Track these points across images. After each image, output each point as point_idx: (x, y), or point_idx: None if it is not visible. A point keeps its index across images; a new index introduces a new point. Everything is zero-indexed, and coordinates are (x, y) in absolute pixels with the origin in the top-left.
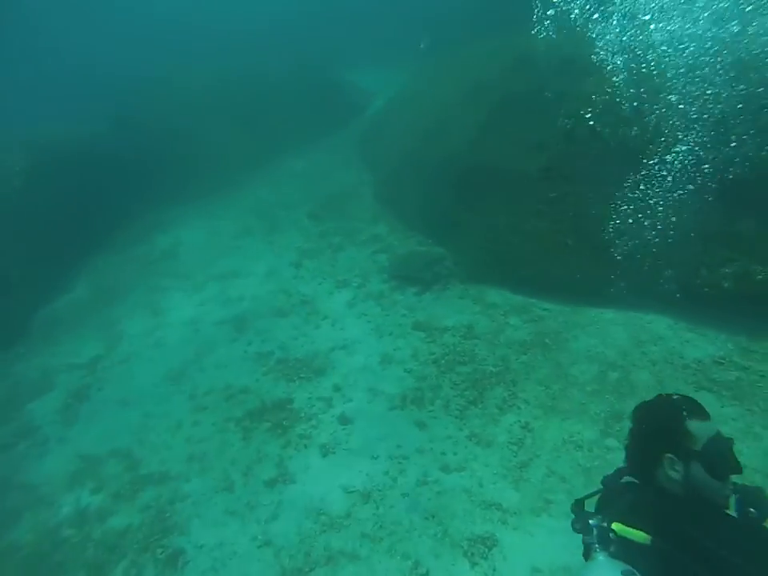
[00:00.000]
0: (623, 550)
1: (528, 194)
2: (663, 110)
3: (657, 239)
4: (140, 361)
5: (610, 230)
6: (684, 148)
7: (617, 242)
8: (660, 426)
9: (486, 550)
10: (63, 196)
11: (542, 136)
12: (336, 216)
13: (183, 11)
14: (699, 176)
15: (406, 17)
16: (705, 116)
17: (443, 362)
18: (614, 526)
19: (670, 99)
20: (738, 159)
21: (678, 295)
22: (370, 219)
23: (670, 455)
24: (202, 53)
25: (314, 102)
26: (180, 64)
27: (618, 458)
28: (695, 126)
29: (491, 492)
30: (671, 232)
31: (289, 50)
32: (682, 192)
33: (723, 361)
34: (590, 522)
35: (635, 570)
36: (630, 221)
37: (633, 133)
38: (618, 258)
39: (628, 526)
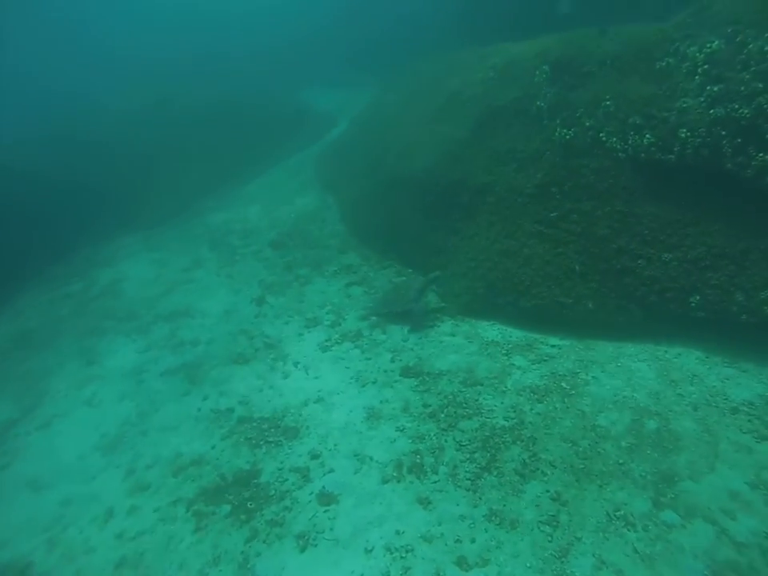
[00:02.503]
0: None
1: (523, 214)
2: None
3: (678, 261)
4: (65, 425)
5: (623, 251)
6: (707, 153)
7: (632, 265)
8: None
9: None
10: None
11: (536, 149)
12: (301, 244)
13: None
14: (728, 184)
15: (369, 34)
16: (734, 116)
17: (443, 415)
18: None
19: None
20: None
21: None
22: (338, 247)
23: None
24: (144, 77)
25: (271, 124)
26: (122, 89)
27: (685, 538)
28: (718, 128)
29: None
30: (695, 251)
31: (245, 73)
32: (706, 203)
33: None
34: None
35: None
36: (647, 240)
37: (645, 141)
38: (634, 283)
39: None
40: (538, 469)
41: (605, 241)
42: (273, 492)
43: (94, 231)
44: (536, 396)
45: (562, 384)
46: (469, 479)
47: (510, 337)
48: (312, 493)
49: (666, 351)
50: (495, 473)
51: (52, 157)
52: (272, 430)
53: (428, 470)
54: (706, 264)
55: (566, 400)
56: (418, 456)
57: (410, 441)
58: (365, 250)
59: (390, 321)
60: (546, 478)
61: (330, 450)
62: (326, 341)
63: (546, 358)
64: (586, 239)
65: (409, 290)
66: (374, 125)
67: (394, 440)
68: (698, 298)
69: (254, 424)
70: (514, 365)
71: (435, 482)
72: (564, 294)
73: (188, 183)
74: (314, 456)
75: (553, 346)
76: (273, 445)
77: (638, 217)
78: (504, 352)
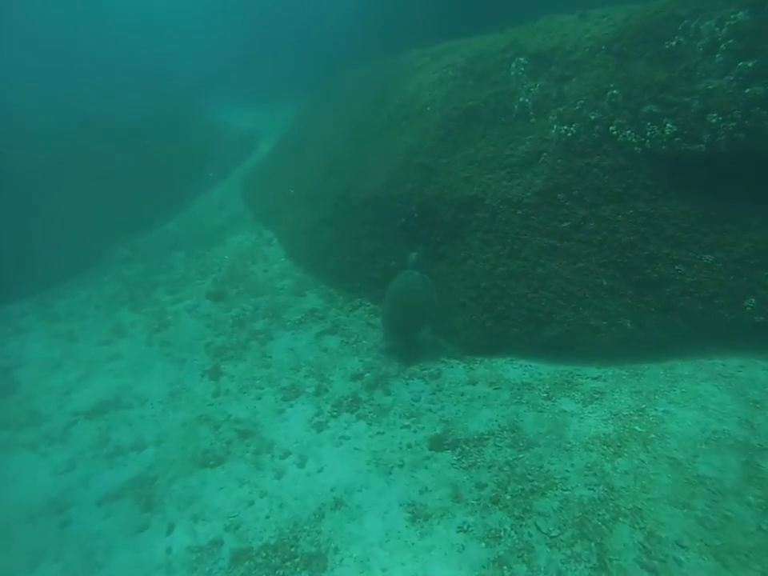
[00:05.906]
0: None
1: (526, 228)
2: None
3: (722, 262)
4: None
5: (656, 258)
6: (744, 137)
7: (669, 272)
8: None
9: None
10: None
11: (528, 151)
12: (247, 291)
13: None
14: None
15: (287, 47)
16: None
17: (508, 497)
18: None
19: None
20: None
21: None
22: (293, 289)
23: None
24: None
25: (182, 152)
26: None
27: None
28: (757, 108)
29: None
30: (740, 248)
31: (151, 89)
32: (742, 194)
33: None
34: None
35: None
36: (681, 242)
37: (667, 131)
38: (676, 293)
39: None
40: (667, 555)
41: (632, 248)
42: None
43: None
44: (611, 449)
45: (635, 427)
46: None
47: (540, 374)
48: None
49: (723, 365)
50: (615, 572)
51: None
52: (287, 563)
53: None
54: (756, 262)
55: (648, 448)
56: (505, 566)
57: (483, 544)
58: (326, 288)
59: (386, 376)
60: (683, 569)
61: None
62: (317, 415)
63: (596, 396)
64: (610, 249)
65: (413, 297)
66: (309, 142)
67: (462, 547)
68: (753, 300)
69: (259, 559)
70: (564, 411)
71: None
72: (595, 316)
73: (92, 227)
74: None
75: (595, 378)
76: None
77: (666, 217)
78: (544, 395)
